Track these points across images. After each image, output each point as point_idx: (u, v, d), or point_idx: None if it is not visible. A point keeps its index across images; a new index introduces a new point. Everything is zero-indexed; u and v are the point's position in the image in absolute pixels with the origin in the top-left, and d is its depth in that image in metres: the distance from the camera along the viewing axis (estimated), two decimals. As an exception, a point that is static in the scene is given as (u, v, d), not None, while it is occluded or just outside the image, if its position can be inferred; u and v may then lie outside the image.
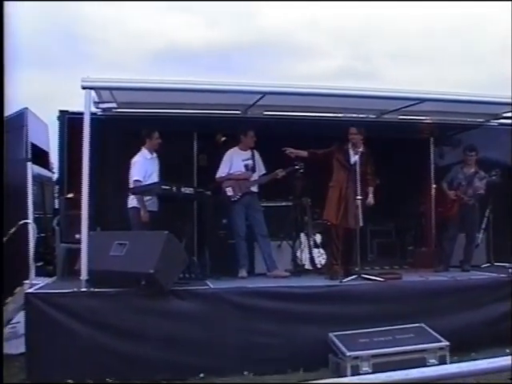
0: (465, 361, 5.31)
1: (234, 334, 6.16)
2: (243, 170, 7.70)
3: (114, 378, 5.80)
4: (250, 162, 7.72)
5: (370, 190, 7.38)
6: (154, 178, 7.24)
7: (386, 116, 8.75)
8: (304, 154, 7.59)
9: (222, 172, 7.68)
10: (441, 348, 6.00)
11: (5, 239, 6.92)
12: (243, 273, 7.42)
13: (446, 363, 5.88)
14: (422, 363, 5.82)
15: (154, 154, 7.47)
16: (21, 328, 6.60)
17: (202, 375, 5.94)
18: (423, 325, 6.29)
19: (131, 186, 7.21)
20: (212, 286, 6.53)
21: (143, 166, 7.26)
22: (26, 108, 7.98)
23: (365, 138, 7.42)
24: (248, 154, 7.74)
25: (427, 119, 8.93)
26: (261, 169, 7.79)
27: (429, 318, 6.39)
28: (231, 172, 7.66)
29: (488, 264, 8.40)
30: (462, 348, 6.13)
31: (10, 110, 7.95)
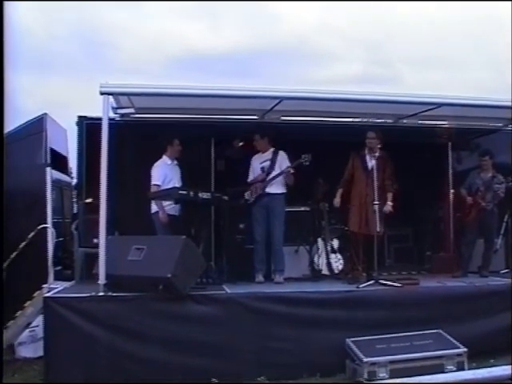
0: (483, 367, 5.31)
1: (250, 339, 6.17)
2: (260, 172, 7.72)
3: (130, 381, 5.83)
4: (266, 164, 7.70)
5: (389, 196, 7.33)
6: (174, 184, 7.30)
7: (403, 121, 8.72)
8: (340, 193, 7.51)
9: (249, 178, 7.76)
10: (459, 354, 5.95)
11: (24, 243, 7.01)
12: (260, 278, 7.42)
13: (464, 370, 5.85)
14: (440, 370, 5.81)
15: (175, 162, 7.57)
16: (39, 332, 6.67)
17: (216, 380, 5.93)
18: (441, 331, 6.24)
19: (150, 190, 7.27)
20: (229, 291, 6.54)
21: (163, 171, 7.37)
22: (46, 113, 8.05)
23: (382, 143, 7.40)
24: (267, 155, 7.72)
25: (445, 124, 8.89)
26: (283, 169, 7.64)
27: (447, 324, 6.34)
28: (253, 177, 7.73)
29: (507, 270, 8.32)
30: (480, 354, 6.08)
31: (29, 115, 8.10)
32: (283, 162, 7.67)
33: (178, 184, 7.38)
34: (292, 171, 7.53)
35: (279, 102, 7.47)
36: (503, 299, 6.73)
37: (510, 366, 3.50)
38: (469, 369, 5.85)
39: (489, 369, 3.50)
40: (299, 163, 7.52)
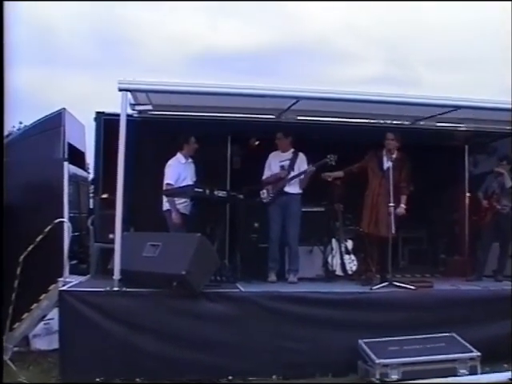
0: (496, 372, 5.29)
1: (264, 338, 6.18)
2: (278, 171, 7.73)
3: (143, 377, 5.88)
4: (286, 163, 7.71)
5: (403, 198, 7.29)
6: (187, 183, 7.30)
7: (420, 122, 8.69)
8: (340, 174, 7.61)
9: (264, 175, 7.75)
10: (472, 358, 5.92)
11: (40, 237, 7.06)
12: (272, 277, 7.43)
13: (476, 374, 5.83)
14: (453, 373, 5.79)
15: (190, 160, 7.57)
16: (54, 324, 6.73)
17: (230, 377, 5.98)
18: (454, 334, 6.22)
19: (164, 188, 7.30)
20: (242, 290, 6.57)
21: (176, 170, 7.37)
22: (64, 109, 8.10)
23: (400, 145, 7.39)
24: (288, 155, 7.73)
25: (462, 126, 8.85)
26: (301, 170, 7.67)
27: (460, 327, 6.31)
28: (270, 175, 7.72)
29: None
30: (493, 359, 6.06)
31: (49, 110, 8.16)
32: (302, 164, 7.68)
33: (191, 182, 7.37)
34: (312, 171, 7.56)
35: (296, 102, 7.47)
36: (518, 304, 6.70)
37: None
38: (482, 373, 5.84)
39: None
40: (324, 163, 7.53)
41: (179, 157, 7.51)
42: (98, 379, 5.80)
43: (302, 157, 7.70)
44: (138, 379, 5.85)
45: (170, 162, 7.42)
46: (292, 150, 7.74)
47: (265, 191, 7.65)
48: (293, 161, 7.68)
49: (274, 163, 7.74)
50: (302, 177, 7.62)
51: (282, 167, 7.68)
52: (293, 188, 7.63)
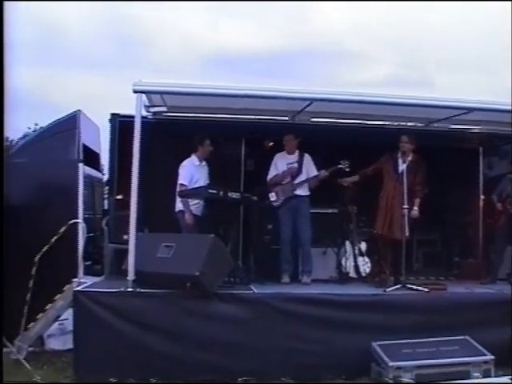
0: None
1: (276, 339, 6.19)
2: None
3: (157, 377, 5.91)
4: (294, 165, 7.73)
5: (417, 201, 7.28)
6: (200, 185, 7.32)
7: (434, 125, 8.67)
8: (356, 178, 7.62)
9: (269, 175, 7.75)
10: (485, 362, 5.90)
11: (55, 237, 7.12)
12: (286, 278, 7.44)
13: (490, 377, 5.80)
14: (466, 376, 5.77)
15: (204, 162, 7.59)
16: (68, 325, 6.78)
17: (243, 378, 5.97)
18: (468, 337, 6.19)
19: (177, 188, 7.34)
20: (256, 291, 6.58)
21: (189, 171, 7.40)
22: (79, 110, 8.16)
23: (415, 147, 7.37)
24: (294, 157, 7.75)
25: (477, 129, 8.81)
26: (310, 172, 7.72)
27: (474, 330, 6.28)
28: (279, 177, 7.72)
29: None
30: (507, 362, 6.01)
31: (65, 111, 8.23)
32: (309, 165, 7.73)
33: (203, 185, 7.39)
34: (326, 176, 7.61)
35: (310, 104, 7.48)
36: (532, 307, 6.66)
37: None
38: (495, 376, 5.81)
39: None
40: (338, 169, 7.57)
41: (193, 158, 7.54)
42: (111, 379, 5.83)
43: (308, 158, 7.74)
44: (152, 379, 5.88)
45: (183, 163, 7.47)
46: (297, 151, 7.77)
47: (274, 194, 7.66)
48: (300, 163, 7.71)
49: (281, 164, 7.75)
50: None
51: (290, 170, 7.70)
52: (302, 191, 7.67)
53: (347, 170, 7.58)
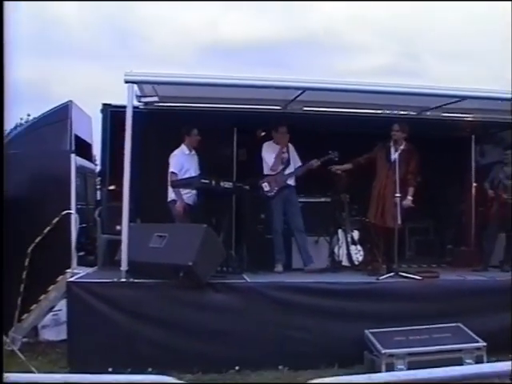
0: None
1: (270, 328, 6.22)
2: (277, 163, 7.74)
3: (152, 367, 5.91)
4: (284, 156, 7.75)
5: (410, 190, 7.29)
6: (190, 175, 7.33)
7: (426, 113, 8.67)
8: (349, 166, 7.63)
9: (269, 164, 7.71)
10: (478, 348, 5.95)
11: (48, 229, 7.11)
12: (279, 267, 7.46)
13: (482, 363, 5.84)
14: (459, 363, 5.79)
15: (193, 152, 7.60)
16: (62, 315, 6.79)
17: (237, 368, 6.01)
18: (460, 324, 6.24)
19: (169, 177, 7.34)
20: (249, 280, 6.59)
21: (179, 160, 7.41)
22: (71, 101, 8.14)
23: (407, 136, 7.38)
24: (282, 147, 7.77)
25: (469, 117, 8.82)
26: (296, 162, 7.80)
27: (466, 317, 6.33)
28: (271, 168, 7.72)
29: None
30: (499, 349, 6.04)
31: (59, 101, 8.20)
32: (294, 154, 7.81)
33: (194, 174, 7.39)
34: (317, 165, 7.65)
35: (302, 93, 7.47)
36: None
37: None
38: (488, 363, 5.84)
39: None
40: (329, 159, 7.61)
41: (183, 148, 7.55)
42: (109, 369, 5.85)
43: (292, 148, 7.82)
44: (149, 369, 5.89)
45: (174, 153, 7.48)
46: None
47: (266, 184, 7.66)
48: (288, 153, 7.77)
49: (271, 156, 7.74)
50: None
51: (282, 160, 7.72)
52: (292, 180, 7.75)
53: (336, 159, 7.63)
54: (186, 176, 7.30)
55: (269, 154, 7.75)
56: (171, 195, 7.39)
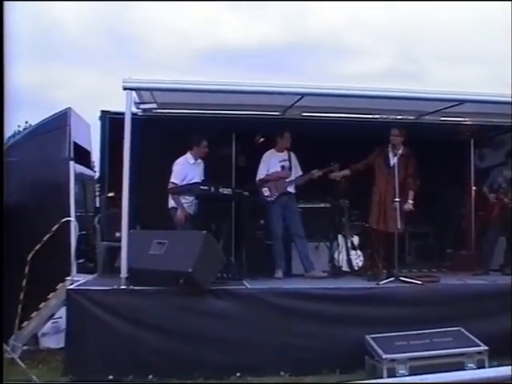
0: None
1: (271, 334, 6.19)
2: (279, 170, 7.75)
3: (153, 375, 5.90)
4: (286, 163, 7.77)
5: (410, 194, 7.28)
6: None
7: (425, 117, 8.67)
8: (347, 173, 7.64)
9: (260, 174, 7.74)
10: (479, 352, 5.92)
11: (47, 236, 7.10)
12: (279, 273, 7.44)
13: (484, 368, 5.82)
14: (460, 367, 5.78)
15: (199, 160, 7.54)
16: (62, 323, 6.75)
17: (238, 374, 5.99)
18: (461, 329, 6.22)
19: (169, 187, 7.31)
20: (249, 286, 6.58)
21: (183, 170, 7.35)
22: (70, 108, 8.14)
23: (406, 140, 7.38)
24: (284, 155, 7.79)
25: (467, 120, 8.82)
26: (297, 170, 7.82)
27: (467, 321, 6.31)
28: (269, 173, 7.71)
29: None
30: (501, 353, 6.03)
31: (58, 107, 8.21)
32: (296, 163, 7.82)
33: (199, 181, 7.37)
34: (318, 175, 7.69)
35: (300, 98, 7.47)
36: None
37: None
38: (490, 367, 5.83)
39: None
40: (330, 170, 7.64)
41: (188, 156, 7.49)
42: (109, 377, 5.83)
43: (294, 156, 7.83)
44: (147, 377, 5.87)
45: (178, 161, 7.41)
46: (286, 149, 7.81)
47: (267, 189, 7.65)
48: (290, 161, 7.77)
49: (274, 162, 7.76)
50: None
51: (283, 167, 7.74)
52: (292, 187, 7.76)
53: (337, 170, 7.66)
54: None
55: (272, 161, 7.75)
56: (171, 202, 7.37)
